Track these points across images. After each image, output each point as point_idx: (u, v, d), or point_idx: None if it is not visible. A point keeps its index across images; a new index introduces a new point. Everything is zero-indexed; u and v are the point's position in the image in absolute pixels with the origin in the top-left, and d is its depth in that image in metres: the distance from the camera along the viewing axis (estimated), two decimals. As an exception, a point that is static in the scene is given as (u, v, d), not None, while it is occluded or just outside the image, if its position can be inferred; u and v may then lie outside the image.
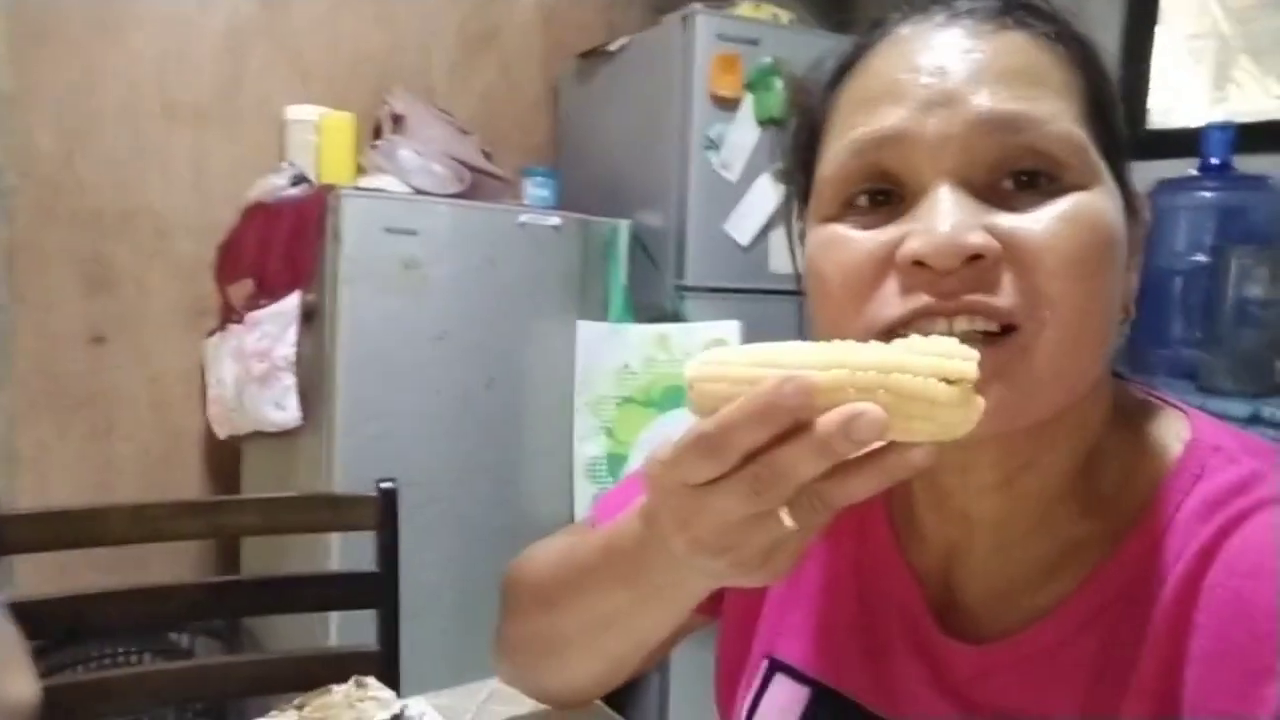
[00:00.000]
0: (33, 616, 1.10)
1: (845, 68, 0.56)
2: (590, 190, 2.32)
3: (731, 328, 1.99)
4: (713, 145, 2.09)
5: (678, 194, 2.11)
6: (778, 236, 2.12)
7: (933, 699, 0.56)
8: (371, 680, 0.82)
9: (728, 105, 2.08)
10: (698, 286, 2.09)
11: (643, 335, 2.03)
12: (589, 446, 2.07)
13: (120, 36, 2.14)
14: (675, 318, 2.07)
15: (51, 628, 1.19)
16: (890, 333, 0.48)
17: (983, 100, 0.48)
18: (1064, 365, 0.48)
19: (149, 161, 2.19)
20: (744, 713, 0.65)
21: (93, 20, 2.11)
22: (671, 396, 2.03)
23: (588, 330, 2.06)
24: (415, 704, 0.86)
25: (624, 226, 2.13)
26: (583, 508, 2.06)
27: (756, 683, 0.65)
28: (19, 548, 1.12)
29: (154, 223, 2.20)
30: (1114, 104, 0.53)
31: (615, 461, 2.04)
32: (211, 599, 1.27)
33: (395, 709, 0.81)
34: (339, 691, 0.80)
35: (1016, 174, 0.48)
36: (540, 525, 2.10)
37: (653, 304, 2.13)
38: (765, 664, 0.65)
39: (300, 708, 0.77)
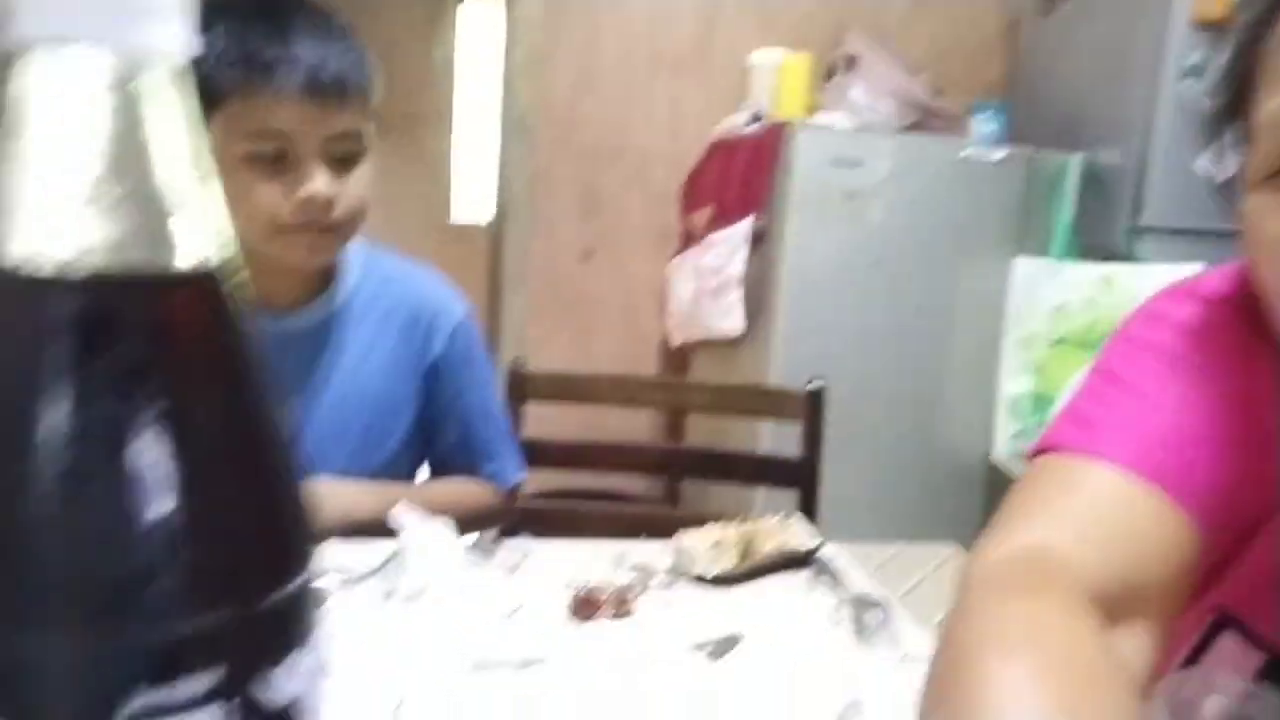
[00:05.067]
0: (542, 451, 1.44)
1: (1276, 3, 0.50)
2: (1041, 125, 2.25)
3: (1193, 271, 1.85)
4: (1193, 73, 1.92)
5: (1142, 127, 1.98)
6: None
7: None
8: (799, 516, 0.99)
9: (1213, 29, 1.90)
10: (1156, 226, 1.96)
11: (1086, 275, 1.96)
12: (1015, 383, 2.06)
13: (620, 1, 2.51)
14: (1125, 259, 1.97)
15: (552, 460, 1.52)
16: None
17: None
18: None
19: (635, 105, 2.55)
20: (1183, 658, 0.60)
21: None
22: (1112, 341, 1.94)
23: (1026, 266, 2.04)
24: (832, 548, 1.01)
25: (1074, 161, 2.05)
26: (1003, 443, 2.06)
27: (1204, 630, 0.60)
28: (536, 396, 1.46)
29: (636, 157, 2.57)
30: None
31: (1041, 401, 2.01)
32: (669, 460, 1.53)
33: (815, 543, 0.97)
34: (771, 520, 0.97)
35: None
36: (955, 455, 2.15)
37: (1100, 244, 2.04)
38: (1213, 615, 0.60)
39: (741, 522, 0.96)
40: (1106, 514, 0.52)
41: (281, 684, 0.25)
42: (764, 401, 1.54)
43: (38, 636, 0.22)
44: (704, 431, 2.39)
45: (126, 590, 0.22)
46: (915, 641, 0.81)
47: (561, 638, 0.77)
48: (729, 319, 2.09)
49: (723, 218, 2.20)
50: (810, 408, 1.46)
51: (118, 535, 0.22)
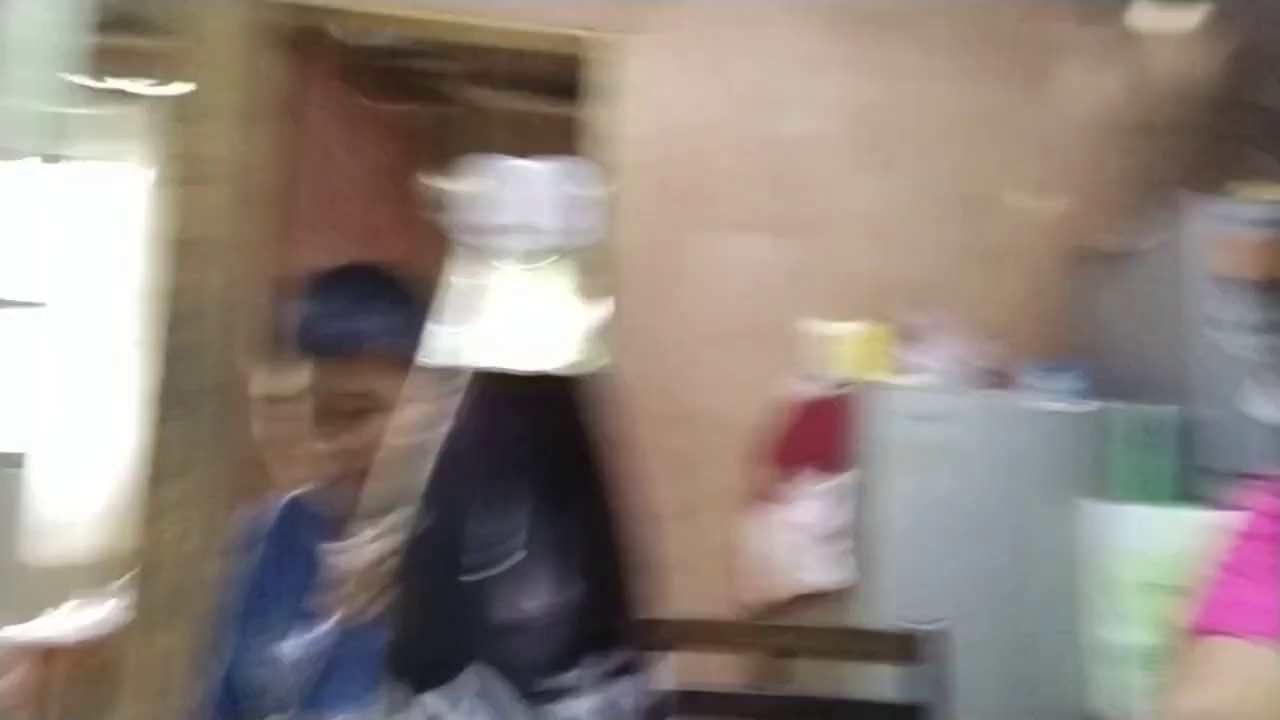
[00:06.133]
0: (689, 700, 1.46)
1: None
2: (1104, 382, 2.39)
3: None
4: (1230, 328, 2.08)
5: (1195, 380, 2.12)
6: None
7: None
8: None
9: (1248, 287, 2.07)
10: (1219, 470, 2.04)
11: (1161, 520, 2.01)
12: (1108, 631, 2.04)
13: (686, 279, 2.78)
14: (1193, 501, 2.02)
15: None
16: None
17: None
18: None
19: (705, 373, 2.75)
20: None
21: (668, 266, 2.79)
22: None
23: (1103, 512, 2.09)
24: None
25: (1141, 412, 2.16)
26: (1102, 694, 2.01)
27: None
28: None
29: (707, 421, 2.72)
30: None
31: (1136, 650, 1.99)
32: (788, 709, 1.53)
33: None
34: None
35: None
36: (1057, 705, 2.08)
37: (1171, 489, 2.10)
38: None
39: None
40: (1257, 680, 0.63)
41: (650, 684, 0.36)
42: (881, 644, 1.57)
43: (509, 627, 0.33)
44: (811, 678, 2.34)
45: (588, 585, 0.34)
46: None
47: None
48: (821, 574, 2.14)
49: (805, 475, 2.31)
50: (931, 650, 1.47)
51: (582, 552, 0.35)
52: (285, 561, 1.21)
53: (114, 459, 2.71)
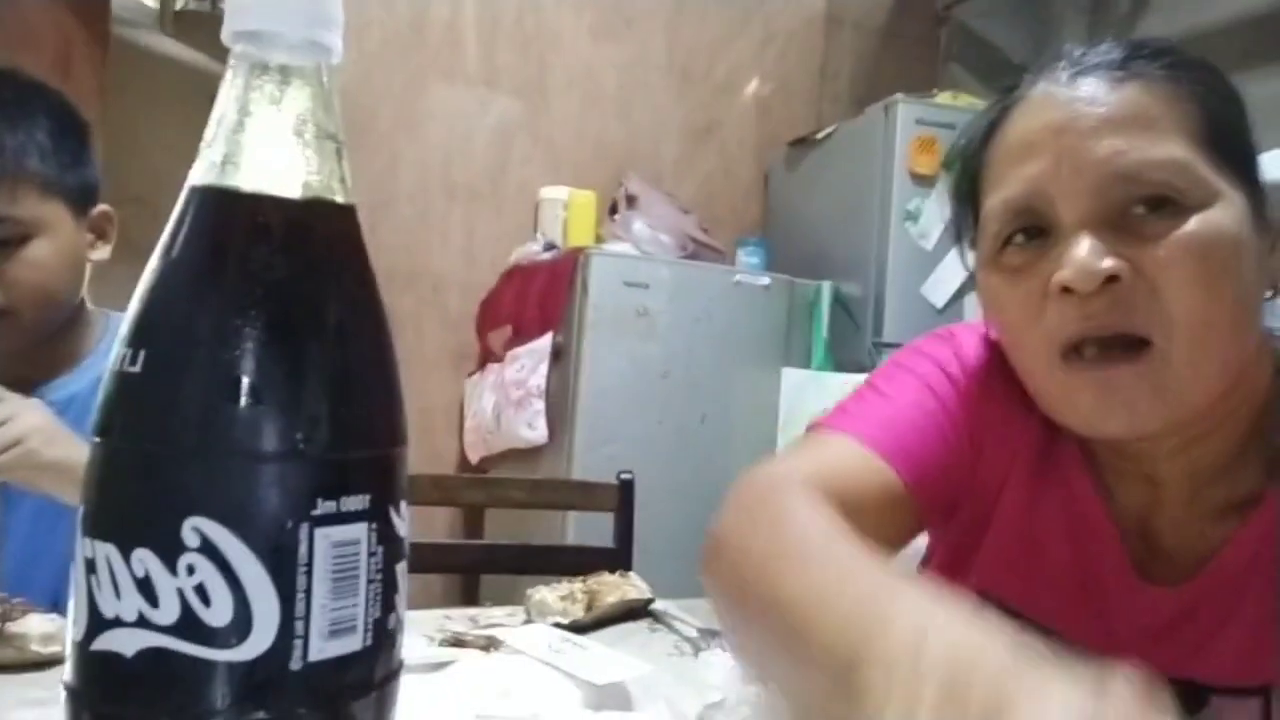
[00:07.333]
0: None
1: (993, 127, 0.68)
2: (795, 259, 2.59)
3: (925, 378, 2.18)
4: (911, 217, 2.32)
5: (877, 261, 2.34)
6: (973, 299, 2.31)
7: (1138, 640, 0.66)
8: (634, 575, 1.09)
9: (925, 182, 2.32)
10: (895, 343, 2.30)
11: (843, 383, 2.25)
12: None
13: (416, 131, 2.66)
14: (872, 370, 2.28)
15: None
16: (1072, 351, 0.61)
17: (1104, 151, 0.58)
18: (1199, 367, 0.57)
19: (431, 232, 2.67)
20: None
21: (398, 118, 2.64)
22: (867, 440, 2.22)
23: (792, 376, 2.31)
24: (662, 601, 1.11)
25: (826, 287, 2.38)
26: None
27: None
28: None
29: (432, 281, 2.67)
30: (1235, 120, 0.61)
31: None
32: (491, 556, 1.58)
33: (649, 596, 1.07)
34: (610, 576, 1.07)
35: (1145, 200, 0.58)
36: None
37: (851, 359, 2.35)
38: (978, 599, 0.73)
39: (584, 579, 1.04)
40: (842, 466, 0.69)
41: (398, 522, 0.33)
42: (579, 494, 1.64)
43: (259, 460, 0.29)
44: (503, 531, 2.42)
45: (318, 428, 0.30)
46: (749, 661, 0.92)
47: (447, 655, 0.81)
48: (533, 429, 2.19)
49: (522, 336, 2.33)
50: (623, 498, 1.57)
51: (313, 390, 0.31)
52: None
53: None
